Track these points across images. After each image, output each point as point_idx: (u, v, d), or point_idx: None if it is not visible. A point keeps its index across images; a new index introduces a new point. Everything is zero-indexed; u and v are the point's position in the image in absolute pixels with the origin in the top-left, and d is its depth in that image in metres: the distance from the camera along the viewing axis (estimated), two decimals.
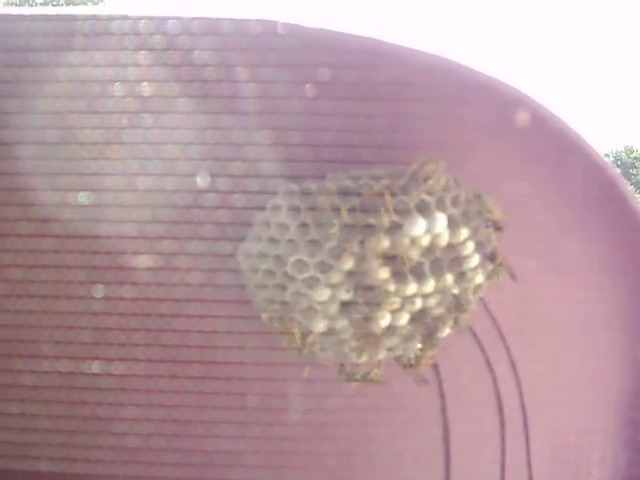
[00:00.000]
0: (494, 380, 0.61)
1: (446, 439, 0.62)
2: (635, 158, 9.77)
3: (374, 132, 0.48)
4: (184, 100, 0.47)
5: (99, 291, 0.49)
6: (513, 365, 0.60)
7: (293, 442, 0.56)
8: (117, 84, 0.46)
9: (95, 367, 0.51)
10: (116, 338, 0.51)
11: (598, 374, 0.61)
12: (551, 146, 0.53)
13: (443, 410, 0.61)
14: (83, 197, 0.47)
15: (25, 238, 0.49)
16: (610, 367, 0.61)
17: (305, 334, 0.49)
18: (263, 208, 0.49)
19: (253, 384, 0.53)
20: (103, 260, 0.49)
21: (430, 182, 0.48)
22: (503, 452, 0.62)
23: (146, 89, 0.46)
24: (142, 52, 0.45)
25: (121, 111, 0.48)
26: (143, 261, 0.50)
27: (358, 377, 0.52)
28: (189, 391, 0.53)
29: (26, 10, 0.49)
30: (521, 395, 0.61)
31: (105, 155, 0.48)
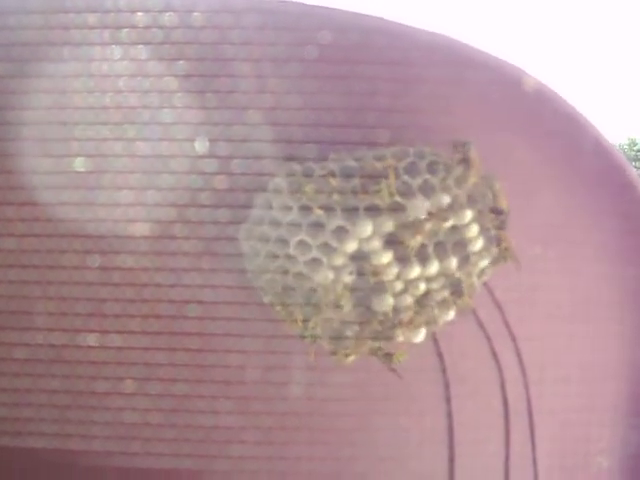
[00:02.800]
0: (499, 369, 0.60)
1: (450, 429, 0.61)
2: (638, 151, 9.76)
3: (377, 112, 0.47)
4: (180, 80, 0.46)
5: (94, 260, 0.49)
6: (518, 354, 0.60)
7: (294, 417, 0.55)
8: (114, 79, 0.46)
9: (90, 340, 0.50)
10: (111, 309, 0.50)
11: (605, 364, 0.60)
12: (557, 130, 0.52)
13: (447, 399, 0.60)
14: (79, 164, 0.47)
15: (17, 206, 0.48)
16: (618, 358, 0.60)
17: (306, 318, 0.48)
18: (264, 190, 0.48)
19: (253, 357, 0.53)
20: (98, 228, 0.49)
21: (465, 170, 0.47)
22: (508, 443, 0.61)
23: (142, 76, 0.46)
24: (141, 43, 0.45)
25: (118, 106, 0.47)
26: (139, 229, 0.49)
27: (381, 356, 0.52)
28: (187, 364, 0.52)
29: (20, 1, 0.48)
30: (526, 385, 0.61)
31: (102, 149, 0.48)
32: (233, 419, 0.53)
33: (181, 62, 0.46)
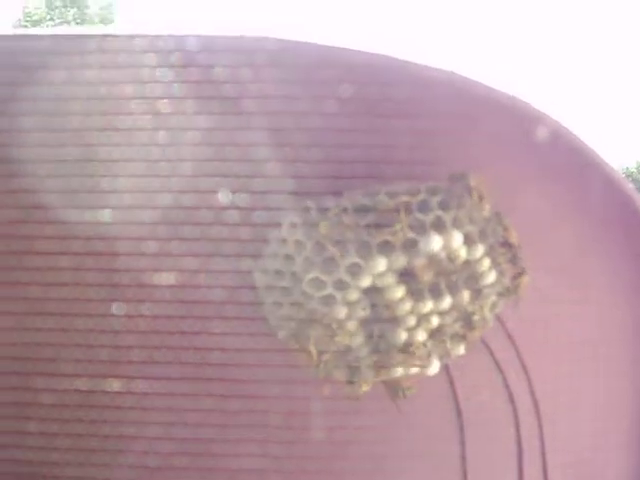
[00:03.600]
0: (511, 398, 0.60)
1: (463, 458, 0.61)
2: None
3: (390, 149, 0.48)
4: (203, 117, 0.47)
5: (119, 309, 0.49)
6: (530, 385, 0.60)
7: (315, 460, 0.55)
8: (133, 101, 0.47)
9: (115, 385, 0.50)
10: (137, 356, 0.51)
11: (617, 392, 0.60)
12: (567, 163, 0.53)
13: (461, 428, 0.60)
14: (102, 214, 0.47)
15: (44, 255, 0.49)
16: (629, 384, 0.60)
17: (321, 352, 0.49)
18: (279, 225, 0.49)
19: (274, 402, 0.53)
20: (123, 277, 0.49)
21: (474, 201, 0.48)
22: (520, 471, 0.61)
23: (163, 106, 0.46)
24: (158, 70, 0.45)
25: (138, 128, 0.48)
26: (163, 278, 0.50)
27: (394, 392, 0.52)
28: (210, 409, 0.53)
29: (43, 30, 0.49)
30: (538, 414, 0.61)
31: (123, 172, 0.48)
32: (256, 462, 0.54)
33: (195, 99, 0.47)
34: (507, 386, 0.60)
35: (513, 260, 0.52)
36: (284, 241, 0.49)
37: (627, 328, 0.60)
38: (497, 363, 0.60)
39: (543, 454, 0.61)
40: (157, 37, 0.45)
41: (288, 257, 0.48)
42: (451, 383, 0.59)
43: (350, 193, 0.48)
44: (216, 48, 0.46)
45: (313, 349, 0.49)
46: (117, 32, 0.48)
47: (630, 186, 0.59)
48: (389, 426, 0.56)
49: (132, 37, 0.46)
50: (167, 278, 0.49)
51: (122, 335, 0.50)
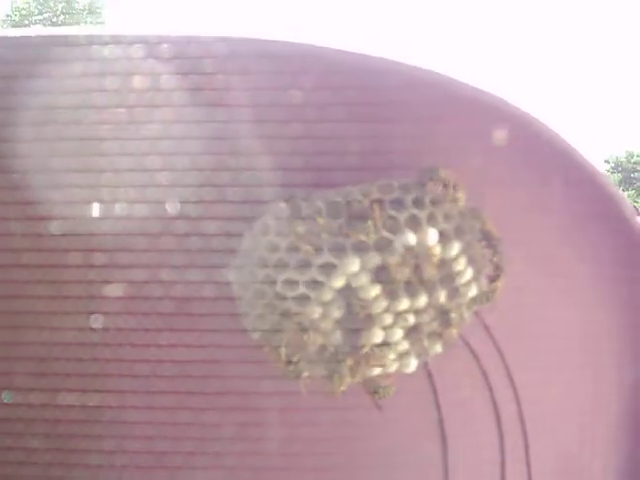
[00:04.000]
0: (491, 391, 0.60)
1: (444, 453, 0.61)
2: (636, 163, 9.76)
3: (363, 148, 0.48)
4: (185, 115, 0.47)
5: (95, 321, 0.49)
6: (510, 376, 0.59)
7: (284, 458, 0.55)
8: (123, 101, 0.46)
9: (72, 400, 0.50)
10: (114, 369, 0.51)
11: (597, 383, 0.60)
12: (552, 164, 0.52)
13: (441, 424, 0.60)
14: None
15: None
16: (609, 376, 0.60)
17: (292, 352, 0.48)
18: (252, 229, 0.48)
19: (254, 399, 0.53)
20: (94, 288, 0.49)
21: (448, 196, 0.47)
22: (503, 466, 0.61)
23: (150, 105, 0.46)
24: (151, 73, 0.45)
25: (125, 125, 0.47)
26: (140, 289, 0.49)
27: (373, 391, 0.52)
28: (163, 422, 0.52)
29: (40, 30, 0.49)
30: (519, 406, 0.60)
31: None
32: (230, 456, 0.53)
33: (182, 93, 0.47)
34: (487, 380, 0.60)
35: (493, 254, 0.51)
36: (257, 244, 0.48)
37: (612, 320, 0.60)
38: (477, 358, 0.60)
39: (526, 447, 0.61)
40: (146, 38, 0.44)
41: (261, 260, 0.48)
42: (430, 379, 0.59)
43: (323, 193, 0.48)
44: (198, 49, 0.46)
45: (284, 350, 0.48)
46: (106, 32, 0.48)
47: (613, 186, 0.59)
48: (368, 423, 0.56)
49: (121, 38, 0.45)
50: (145, 289, 0.48)
51: (99, 348, 0.50)
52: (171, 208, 0.48)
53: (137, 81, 0.45)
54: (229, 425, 0.55)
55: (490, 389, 0.60)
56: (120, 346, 0.51)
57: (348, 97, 0.46)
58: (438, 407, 0.59)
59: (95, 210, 0.49)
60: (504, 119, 0.50)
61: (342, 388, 0.51)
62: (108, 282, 0.49)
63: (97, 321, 0.49)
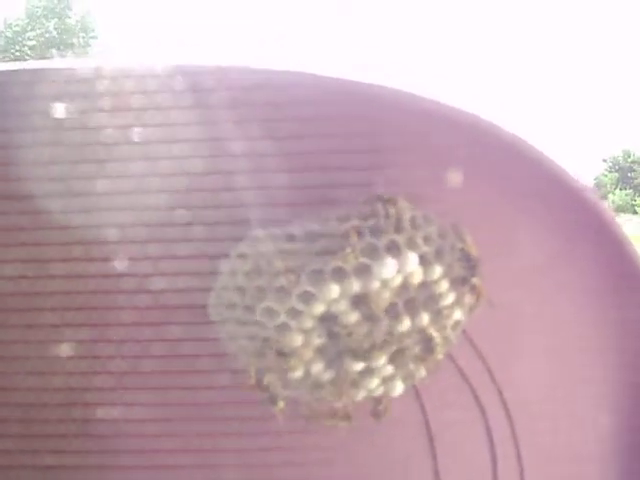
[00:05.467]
0: (483, 416, 0.59)
1: (436, 474, 0.60)
2: (633, 162, 9.78)
3: (341, 173, 0.47)
4: (152, 146, 0.46)
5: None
6: (502, 399, 0.59)
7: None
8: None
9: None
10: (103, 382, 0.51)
11: (591, 404, 0.60)
12: (533, 178, 0.52)
13: (432, 449, 0.59)
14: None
15: None
16: (603, 396, 0.60)
17: (271, 379, 0.48)
18: (228, 256, 0.48)
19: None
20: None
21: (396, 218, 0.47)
22: None
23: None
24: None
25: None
26: (117, 315, 0.49)
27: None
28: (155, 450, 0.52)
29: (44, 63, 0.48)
30: (512, 427, 0.60)
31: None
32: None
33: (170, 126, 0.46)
34: (477, 401, 0.60)
35: (473, 273, 0.51)
36: (235, 272, 0.48)
37: (603, 334, 0.59)
38: (466, 379, 0.59)
39: (521, 469, 0.60)
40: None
41: (239, 288, 0.47)
42: (419, 402, 0.58)
43: (300, 219, 0.47)
44: (189, 76, 0.46)
45: (264, 375, 0.48)
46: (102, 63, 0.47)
47: (595, 195, 0.58)
48: (355, 446, 0.56)
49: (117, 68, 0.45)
50: (120, 315, 0.48)
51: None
52: (149, 247, 0.48)
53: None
54: (219, 451, 0.54)
55: (481, 408, 0.59)
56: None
57: (327, 120, 0.46)
58: (427, 427, 0.59)
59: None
60: (488, 140, 0.50)
61: (325, 419, 0.51)
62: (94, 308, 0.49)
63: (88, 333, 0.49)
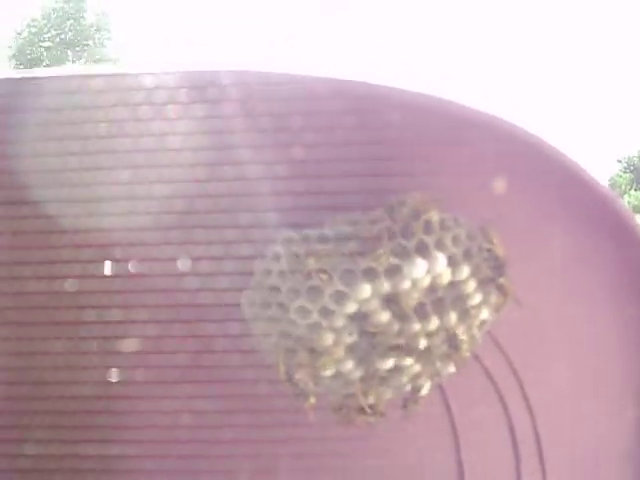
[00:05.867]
0: (507, 414, 0.60)
1: (460, 474, 0.61)
2: None
3: (372, 176, 0.48)
4: (185, 153, 0.47)
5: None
6: (525, 398, 0.60)
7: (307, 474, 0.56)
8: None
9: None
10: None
11: (613, 403, 0.60)
12: (553, 179, 0.53)
13: (457, 449, 0.60)
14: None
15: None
16: (626, 395, 0.60)
17: (302, 377, 0.49)
18: (263, 257, 0.49)
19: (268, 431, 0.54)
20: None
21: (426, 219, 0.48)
22: None
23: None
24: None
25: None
26: (148, 313, 0.50)
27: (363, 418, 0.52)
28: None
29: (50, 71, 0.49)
30: (535, 429, 0.60)
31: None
32: None
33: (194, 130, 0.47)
34: (503, 402, 0.60)
35: (500, 273, 0.52)
36: (269, 272, 0.49)
37: (628, 332, 0.60)
38: (491, 379, 0.60)
39: (543, 470, 0.61)
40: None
41: (273, 288, 0.49)
42: (445, 400, 0.59)
43: (333, 221, 0.48)
44: (198, 82, 0.47)
45: (295, 373, 0.49)
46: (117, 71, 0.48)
47: (618, 199, 0.59)
48: (382, 440, 0.57)
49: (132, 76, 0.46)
50: (153, 312, 0.49)
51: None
52: (180, 232, 0.49)
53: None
54: (242, 445, 0.55)
55: (504, 406, 0.60)
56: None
57: (352, 123, 0.47)
58: (453, 425, 0.60)
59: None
60: (506, 139, 0.50)
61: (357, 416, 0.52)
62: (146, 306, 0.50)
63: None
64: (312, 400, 0.50)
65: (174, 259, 0.49)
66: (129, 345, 0.51)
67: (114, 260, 0.51)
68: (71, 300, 0.52)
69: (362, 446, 0.57)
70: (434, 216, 0.48)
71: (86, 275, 0.51)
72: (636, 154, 9.88)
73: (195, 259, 0.49)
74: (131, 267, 0.49)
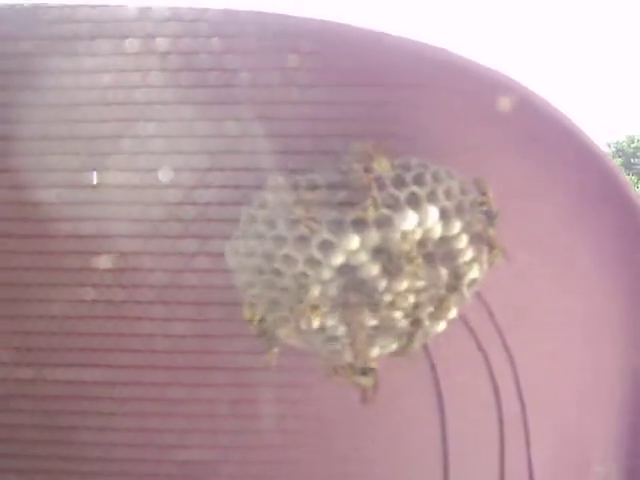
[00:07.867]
0: (492, 377, 0.59)
1: (444, 439, 0.61)
2: (636, 148, 9.73)
3: (363, 123, 0.46)
4: (172, 91, 0.45)
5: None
6: (511, 361, 0.59)
7: (284, 436, 0.55)
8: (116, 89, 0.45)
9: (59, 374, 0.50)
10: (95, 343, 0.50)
11: (599, 369, 0.60)
12: (547, 137, 0.51)
13: (441, 409, 0.59)
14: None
15: None
16: (611, 362, 0.60)
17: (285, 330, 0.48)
18: (249, 204, 0.47)
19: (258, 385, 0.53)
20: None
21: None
22: (502, 452, 0.61)
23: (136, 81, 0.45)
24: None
25: (117, 119, 0.46)
26: (135, 260, 0.49)
27: (353, 375, 0.51)
28: (156, 398, 0.52)
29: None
30: (520, 392, 0.60)
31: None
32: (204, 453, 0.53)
33: (171, 71, 0.45)
34: (488, 365, 0.60)
35: (491, 224, 0.50)
36: (254, 219, 0.47)
37: (614, 302, 0.59)
38: (477, 341, 0.59)
39: (527, 434, 0.60)
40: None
41: (259, 236, 0.47)
42: (431, 363, 0.58)
43: (322, 168, 0.47)
44: (187, 18, 0.45)
45: (280, 328, 0.47)
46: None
47: (611, 160, 0.58)
48: (363, 409, 0.56)
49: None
50: (135, 260, 0.47)
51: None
52: (163, 176, 0.47)
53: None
54: (222, 402, 0.54)
55: (490, 370, 0.59)
56: (109, 318, 0.50)
57: (344, 64, 0.45)
58: (437, 386, 0.59)
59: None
60: (504, 94, 0.49)
61: (339, 370, 0.51)
62: (97, 253, 0.48)
63: (86, 293, 0.48)
64: (274, 350, 0.49)
65: (155, 203, 0.47)
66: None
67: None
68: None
69: (344, 406, 0.56)
70: (382, 162, 0.46)
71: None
72: (625, 139, 9.91)
73: (177, 204, 0.47)
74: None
